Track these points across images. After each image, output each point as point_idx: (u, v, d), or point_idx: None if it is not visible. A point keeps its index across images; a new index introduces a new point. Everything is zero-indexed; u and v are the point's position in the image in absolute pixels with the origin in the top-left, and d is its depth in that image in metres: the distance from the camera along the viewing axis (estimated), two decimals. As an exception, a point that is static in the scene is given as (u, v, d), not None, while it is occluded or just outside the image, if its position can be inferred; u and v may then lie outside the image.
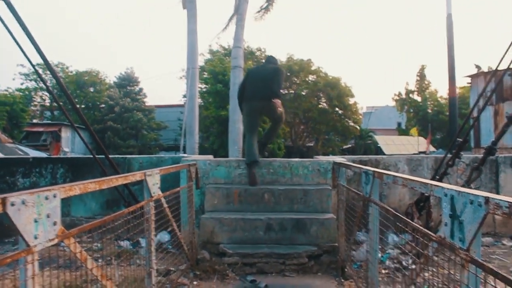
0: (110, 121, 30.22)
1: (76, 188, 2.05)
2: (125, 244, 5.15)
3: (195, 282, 4.17)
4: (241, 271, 4.39)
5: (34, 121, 32.09)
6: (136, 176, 2.93)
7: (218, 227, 4.67)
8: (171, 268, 4.24)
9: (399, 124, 40.63)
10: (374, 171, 3.05)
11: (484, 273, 1.52)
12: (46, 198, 1.76)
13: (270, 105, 6.14)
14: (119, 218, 2.61)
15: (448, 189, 1.80)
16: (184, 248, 4.27)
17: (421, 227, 2.16)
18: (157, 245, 3.81)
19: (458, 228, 1.69)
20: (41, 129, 28.36)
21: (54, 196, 1.83)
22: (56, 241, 1.84)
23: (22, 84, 34.25)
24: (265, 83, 6.13)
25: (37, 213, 1.69)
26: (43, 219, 1.73)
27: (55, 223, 1.82)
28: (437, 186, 1.95)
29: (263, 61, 7.40)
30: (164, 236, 5.14)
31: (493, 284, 1.41)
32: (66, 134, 28.43)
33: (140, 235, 3.24)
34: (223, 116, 17.64)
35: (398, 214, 2.54)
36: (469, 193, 1.62)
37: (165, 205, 3.59)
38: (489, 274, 1.44)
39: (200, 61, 22.62)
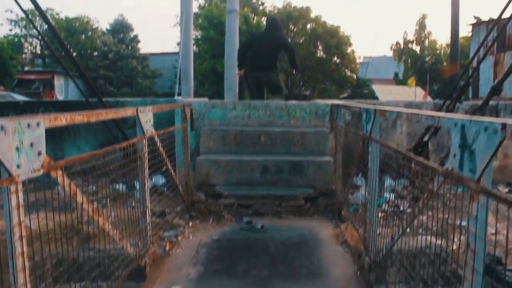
0: (103, 68, 29.63)
1: (63, 118, 1.92)
2: (120, 187, 5.10)
3: (190, 223, 4.15)
4: (237, 212, 4.37)
5: (26, 68, 31.37)
6: (127, 111, 2.79)
7: (213, 168, 4.61)
8: (167, 210, 4.20)
9: (396, 74, 40.08)
10: (375, 109, 2.93)
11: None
12: (28, 126, 1.63)
13: (271, 75, 6.27)
14: (110, 154, 2.50)
15: (458, 118, 1.69)
16: (179, 190, 4.22)
17: (425, 160, 2.06)
18: (152, 187, 3.75)
19: (468, 158, 1.59)
20: (33, 77, 27.73)
21: (38, 125, 1.70)
22: (41, 172, 1.73)
23: (10, 30, 33.30)
24: (269, 52, 6.24)
25: (19, 141, 1.57)
26: (26, 148, 1.61)
27: (39, 153, 1.70)
28: (445, 117, 1.83)
29: (264, 20, 7.59)
30: (159, 179, 5.08)
31: (507, 215, 1.33)
32: (59, 81, 27.88)
33: (135, 178, 3.16)
34: (218, 68, 17.37)
35: (400, 150, 2.45)
36: (482, 121, 1.51)
37: (159, 144, 3.48)
38: (503, 203, 1.35)
39: (194, 8, 21.94)
